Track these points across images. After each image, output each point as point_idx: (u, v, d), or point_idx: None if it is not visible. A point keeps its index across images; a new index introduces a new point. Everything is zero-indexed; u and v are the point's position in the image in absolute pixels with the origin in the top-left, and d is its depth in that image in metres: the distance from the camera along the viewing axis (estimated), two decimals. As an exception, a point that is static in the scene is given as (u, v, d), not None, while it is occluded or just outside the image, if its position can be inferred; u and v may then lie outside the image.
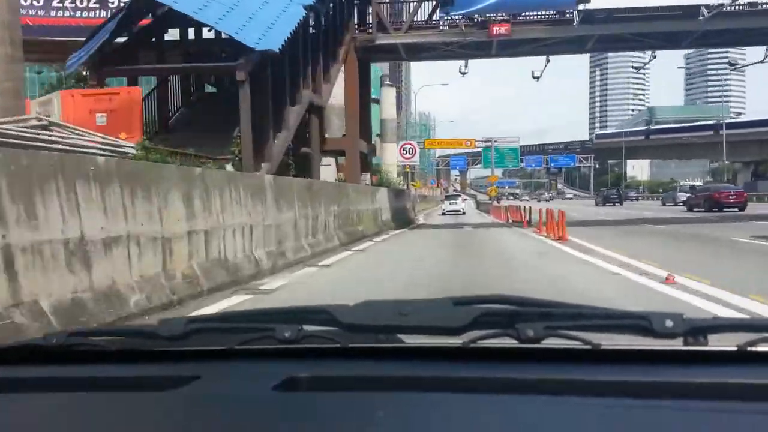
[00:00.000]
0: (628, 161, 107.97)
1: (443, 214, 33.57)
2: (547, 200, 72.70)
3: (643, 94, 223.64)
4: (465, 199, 44.39)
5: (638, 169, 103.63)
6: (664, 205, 41.34)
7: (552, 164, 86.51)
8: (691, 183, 72.42)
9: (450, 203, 35.32)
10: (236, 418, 0.82)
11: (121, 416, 0.86)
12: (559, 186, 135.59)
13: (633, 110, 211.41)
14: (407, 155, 29.89)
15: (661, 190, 55.06)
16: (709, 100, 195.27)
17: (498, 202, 33.55)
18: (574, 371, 0.92)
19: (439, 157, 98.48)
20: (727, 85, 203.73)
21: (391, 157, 39.25)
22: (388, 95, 47.55)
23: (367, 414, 0.83)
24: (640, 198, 69.14)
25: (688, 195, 34.81)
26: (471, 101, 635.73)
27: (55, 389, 0.97)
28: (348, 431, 0.79)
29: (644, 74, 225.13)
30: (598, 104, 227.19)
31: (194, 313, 4.65)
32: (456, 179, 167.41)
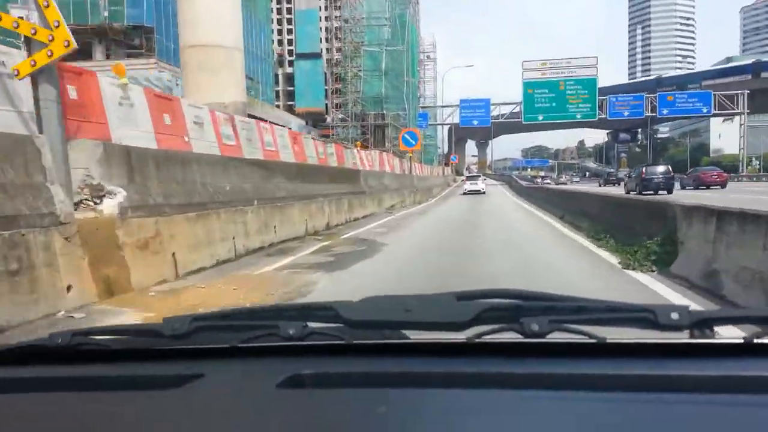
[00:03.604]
0: (713, 129, 78.45)
1: (464, 193, 37.44)
2: (564, 183, 68.53)
3: (692, 56, 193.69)
4: (484, 179, 46.99)
5: (725, 140, 73.50)
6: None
7: (666, 109, 52.32)
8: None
9: (471, 183, 39.52)
10: (241, 416, 0.85)
11: (126, 415, 0.89)
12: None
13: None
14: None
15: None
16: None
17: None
18: (579, 365, 0.94)
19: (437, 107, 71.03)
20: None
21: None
22: None
23: (373, 410, 0.85)
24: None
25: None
26: (486, 64, 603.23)
27: (59, 389, 1.00)
28: (353, 428, 0.82)
29: (691, 31, 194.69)
30: (639, 66, 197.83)
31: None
32: (474, 160, 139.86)
